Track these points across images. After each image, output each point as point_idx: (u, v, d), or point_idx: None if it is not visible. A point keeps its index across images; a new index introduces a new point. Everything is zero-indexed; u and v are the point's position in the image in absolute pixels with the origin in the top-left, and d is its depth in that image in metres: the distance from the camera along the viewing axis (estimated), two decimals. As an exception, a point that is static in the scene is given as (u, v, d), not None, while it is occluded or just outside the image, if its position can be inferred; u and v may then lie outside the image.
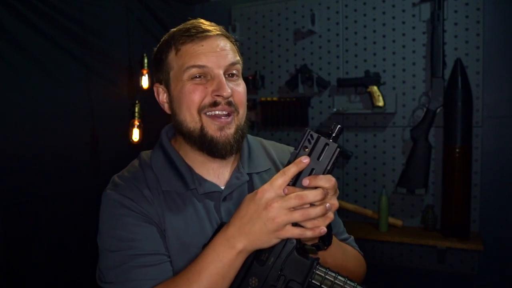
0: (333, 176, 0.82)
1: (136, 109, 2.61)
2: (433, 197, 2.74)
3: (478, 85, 2.59)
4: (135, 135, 2.60)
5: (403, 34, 2.77)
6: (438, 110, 2.62)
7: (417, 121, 2.71)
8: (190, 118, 0.95)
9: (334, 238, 0.94)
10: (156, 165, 1.00)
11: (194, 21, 1.00)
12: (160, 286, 0.87)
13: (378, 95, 2.75)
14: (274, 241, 0.81)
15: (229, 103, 0.94)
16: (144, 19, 2.88)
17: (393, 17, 2.79)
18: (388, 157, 2.86)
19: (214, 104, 0.93)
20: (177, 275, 0.87)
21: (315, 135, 0.82)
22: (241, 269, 0.84)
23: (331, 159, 0.81)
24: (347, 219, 2.90)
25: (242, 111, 0.98)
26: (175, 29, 1.00)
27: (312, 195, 0.78)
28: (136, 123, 2.61)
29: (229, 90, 0.93)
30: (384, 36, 2.82)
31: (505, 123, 2.59)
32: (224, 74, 0.95)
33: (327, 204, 0.79)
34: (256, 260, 0.84)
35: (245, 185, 1.02)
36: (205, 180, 0.99)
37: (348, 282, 0.82)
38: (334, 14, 2.94)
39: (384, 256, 2.89)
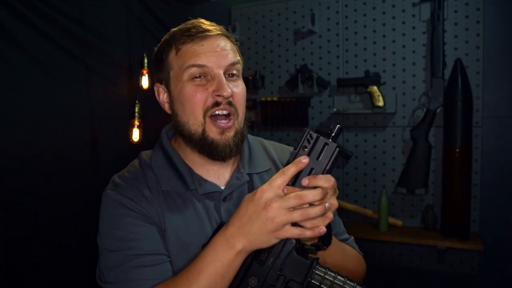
0: (333, 176, 0.82)
1: (136, 109, 2.61)
2: (433, 197, 2.74)
3: (478, 85, 2.59)
4: (135, 135, 2.60)
5: (403, 34, 2.77)
6: (438, 110, 2.62)
7: (417, 121, 2.71)
8: (193, 121, 0.95)
9: (333, 238, 0.94)
10: (156, 165, 1.00)
11: (194, 20, 1.00)
12: (160, 286, 0.87)
13: (378, 95, 2.75)
14: (274, 241, 0.81)
15: (229, 103, 0.94)
16: (144, 19, 2.88)
17: (393, 17, 2.79)
18: (388, 157, 2.86)
19: (216, 104, 0.93)
20: (177, 275, 0.87)
21: (314, 135, 0.82)
22: (240, 269, 0.84)
23: (330, 158, 0.81)
24: (347, 219, 2.89)
25: (242, 112, 0.98)
26: (175, 28, 1.00)
27: (312, 195, 0.78)
28: (136, 123, 2.61)
29: (229, 90, 0.93)
30: (384, 36, 2.82)
31: (505, 123, 2.59)
32: (224, 74, 0.95)
33: (327, 204, 0.79)
34: (255, 260, 0.84)
35: (245, 185, 1.02)
36: (205, 181, 0.99)
37: (348, 282, 0.82)
38: (334, 14, 2.94)
39: (384, 256, 2.89)
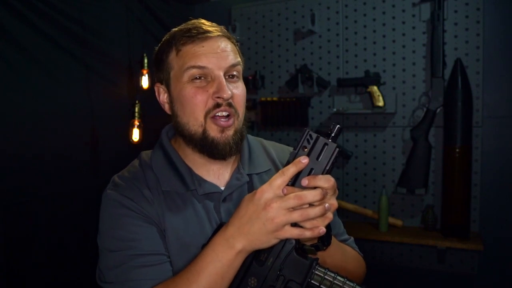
0: (333, 176, 0.82)
1: (136, 109, 2.61)
2: (433, 197, 2.74)
3: (478, 85, 2.59)
4: (135, 135, 2.60)
5: (403, 34, 2.77)
6: (438, 110, 2.62)
7: (417, 121, 2.71)
8: (193, 122, 0.95)
9: (333, 239, 0.94)
10: (156, 165, 1.00)
11: (195, 21, 1.00)
12: (159, 286, 0.87)
13: (378, 95, 2.75)
14: (273, 241, 0.81)
15: (229, 104, 0.94)
16: (144, 19, 2.88)
17: (393, 17, 2.79)
18: (388, 157, 2.86)
19: (216, 106, 0.93)
20: (177, 275, 0.88)
21: (314, 135, 0.82)
22: (240, 269, 0.84)
23: (330, 159, 0.81)
24: (347, 219, 2.90)
25: (241, 113, 0.98)
26: (176, 29, 1.00)
27: (311, 195, 0.78)
28: (136, 123, 2.61)
29: (229, 92, 0.93)
30: (384, 36, 2.82)
31: (505, 123, 2.59)
32: (224, 75, 0.95)
33: (326, 204, 0.79)
34: (255, 260, 0.84)
35: (245, 186, 1.02)
36: (205, 181, 0.99)
37: (347, 282, 0.82)
38: (334, 14, 2.94)
39: (384, 256, 2.89)
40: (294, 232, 0.79)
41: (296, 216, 0.78)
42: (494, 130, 2.61)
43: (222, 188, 1.00)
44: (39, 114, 2.19)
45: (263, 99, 3.13)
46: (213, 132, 0.94)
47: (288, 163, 0.82)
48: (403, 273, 2.84)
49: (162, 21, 3.01)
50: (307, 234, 0.79)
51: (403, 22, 2.77)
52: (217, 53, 0.94)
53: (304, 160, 0.80)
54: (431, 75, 2.63)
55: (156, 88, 1.05)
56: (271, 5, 3.12)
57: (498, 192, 2.60)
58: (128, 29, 2.73)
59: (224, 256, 0.82)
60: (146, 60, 2.69)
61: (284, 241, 0.83)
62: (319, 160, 0.81)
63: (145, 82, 2.70)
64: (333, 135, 0.82)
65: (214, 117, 0.94)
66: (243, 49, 3.12)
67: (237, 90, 0.97)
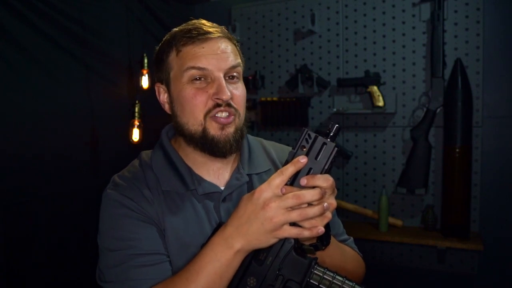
0: (333, 176, 0.82)
1: (136, 109, 2.61)
2: (433, 197, 2.74)
3: (478, 85, 2.59)
4: (135, 135, 2.60)
5: (403, 34, 2.77)
6: (438, 110, 2.62)
7: (417, 121, 2.71)
8: (193, 121, 0.95)
9: (332, 239, 0.94)
10: (156, 165, 1.00)
11: (196, 21, 1.00)
12: (159, 285, 0.87)
13: (378, 95, 2.75)
14: (272, 240, 0.81)
15: (229, 105, 0.95)
16: (144, 19, 2.88)
17: (393, 17, 2.79)
18: (388, 157, 2.86)
19: (217, 105, 0.94)
20: (176, 275, 0.88)
21: (313, 135, 0.82)
22: (239, 268, 0.84)
23: (328, 158, 0.81)
24: (347, 219, 2.90)
25: (242, 113, 0.99)
26: (176, 29, 1.00)
27: (310, 195, 0.78)
28: (136, 123, 2.61)
29: (229, 93, 0.93)
30: (384, 36, 2.82)
31: (505, 123, 2.59)
32: (224, 76, 0.95)
33: (325, 204, 0.79)
34: (254, 259, 0.84)
35: (245, 185, 1.02)
36: (205, 181, 1.00)
37: (346, 281, 0.82)
38: (334, 14, 2.94)
39: (384, 256, 2.89)
40: (292, 232, 0.79)
41: (294, 215, 0.78)
42: (494, 130, 2.61)
43: (222, 188, 1.01)
44: (39, 114, 2.19)
45: (263, 99, 3.13)
46: (213, 130, 0.94)
47: (287, 162, 0.82)
48: (403, 273, 2.84)
49: (162, 21, 3.01)
50: (306, 233, 0.79)
51: (403, 22, 2.77)
52: (217, 54, 0.94)
53: (302, 160, 0.80)
54: (431, 75, 2.63)
55: (156, 88, 1.05)
56: (271, 5, 3.12)
57: (498, 192, 2.60)
58: (128, 29, 2.73)
59: (222, 256, 0.82)
60: (146, 60, 2.70)
61: (283, 241, 0.83)
62: (318, 159, 0.81)
63: (145, 82, 2.70)
64: (331, 134, 0.82)
65: (214, 116, 0.94)
66: (243, 49, 3.12)
67: (237, 91, 0.97)
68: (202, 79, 0.94)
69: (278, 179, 0.80)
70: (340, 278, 0.83)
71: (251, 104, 3.15)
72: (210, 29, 0.96)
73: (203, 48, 0.94)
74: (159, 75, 1.02)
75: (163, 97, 1.03)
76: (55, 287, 2.27)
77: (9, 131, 2.05)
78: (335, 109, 2.90)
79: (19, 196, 2.09)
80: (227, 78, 0.96)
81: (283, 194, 0.79)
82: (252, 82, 3.12)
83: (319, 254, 0.90)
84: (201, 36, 0.94)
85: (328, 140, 0.81)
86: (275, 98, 3.10)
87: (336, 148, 0.81)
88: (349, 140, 2.96)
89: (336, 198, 0.85)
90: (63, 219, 2.28)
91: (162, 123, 1.11)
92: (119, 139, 2.61)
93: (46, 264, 2.20)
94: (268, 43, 3.15)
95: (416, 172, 2.65)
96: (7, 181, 2.03)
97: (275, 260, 0.83)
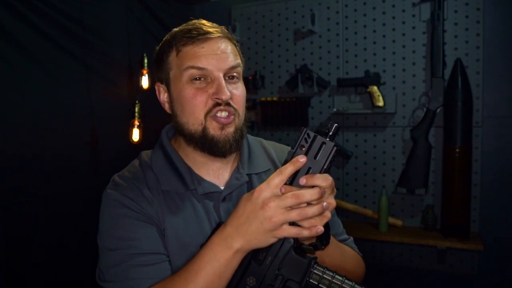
0: (333, 176, 0.83)
1: (136, 109, 2.62)
2: (433, 197, 2.74)
3: (478, 85, 2.59)
4: (135, 135, 2.60)
5: (403, 34, 2.77)
6: (438, 110, 2.62)
7: (417, 121, 2.71)
8: (193, 121, 0.95)
9: (332, 239, 0.94)
10: (156, 165, 1.01)
11: (196, 21, 1.00)
12: (158, 285, 0.87)
13: (378, 95, 2.75)
14: (271, 240, 0.81)
15: (229, 105, 0.95)
16: (144, 19, 2.88)
17: (393, 17, 2.79)
18: (388, 157, 2.86)
19: (217, 105, 0.94)
20: (175, 274, 0.88)
21: (312, 134, 0.82)
22: (238, 268, 0.84)
23: (328, 158, 0.81)
24: (347, 219, 2.90)
25: (242, 113, 0.99)
26: (177, 29, 1.00)
27: (309, 194, 0.78)
28: (136, 123, 2.61)
29: (228, 94, 0.93)
30: (384, 36, 2.82)
31: (505, 123, 2.59)
32: (224, 76, 0.95)
33: (324, 203, 0.79)
34: (253, 259, 0.84)
35: (245, 185, 1.02)
36: (204, 181, 1.00)
37: (346, 281, 0.82)
38: (334, 14, 2.94)
39: (384, 256, 2.89)
40: (292, 231, 0.79)
41: (294, 215, 0.78)
42: (494, 130, 2.61)
43: (222, 187, 1.01)
44: (39, 114, 2.19)
45: (263, 99, 3.13)
46: (213, 129, 0.94)
47: (286, 162, 0.82)
48: (403, 273, 2.84)
49: (162, 21, 3.01)
50: (305, 233, 0.79)
51: (403, 22, 2.77)
52: (217, 54, 0.94)
53: (301, 159, 0.80)
54: (431, 75, 2.63)
55: (156, 88, 1.05)
56: (271, 5, 3.12)
57: (498, 192, 2.60)
58: (128, 29, 2.73)
59: (222, 255, 0.82)
60: (146, 60, 2.70)
61: (283, 240, 0.83)
62: (317, 159, 0.81)
63: (145, 82, 2.70)
64: (330, 134, 0.82)
65: (214, 116, 0.94)
66: (243, 49, 3.12)
67: (237, 91, 0.97)
68: (202, 79, 0.94)
69: (277, 179, 0.80)
70: (340, 278, 0.83)
71: (251, 104, 3.15)
72: (210, 29, 0.96)
73: (203, 48, 0.94)
74: (159, 74, 1.03)
75: (163, 96, 1.03)
76: (55, 287, 2.27)
77: (9, 131, 2.05)
78: (335, 109, 2.90)
79: (19, 196, 2.09)
80: (227, 78, 0.96)
81: (282, 193, 0.79)
82: (252, 82, 3.12)
83: (318, 253, 0.90)
84: (201, 36, 0.94)
85: (327, 139, 0.81)
86: (275, 98, 3.11)
87: (335, 148, 0.81)
88: (349, 140, 2.96)
89: (336, 198, 0.85)
90: (63, 219, 2.28)
91: (162, 123, 1.11)
92: (119, 139, 2.61)
93: (46, 264, 2.20)
94: (268, 43, 3.15)
95: (416, 172, 2.65)
96: (7, 181, 2.03)
97: (275, 259, 0.83)
